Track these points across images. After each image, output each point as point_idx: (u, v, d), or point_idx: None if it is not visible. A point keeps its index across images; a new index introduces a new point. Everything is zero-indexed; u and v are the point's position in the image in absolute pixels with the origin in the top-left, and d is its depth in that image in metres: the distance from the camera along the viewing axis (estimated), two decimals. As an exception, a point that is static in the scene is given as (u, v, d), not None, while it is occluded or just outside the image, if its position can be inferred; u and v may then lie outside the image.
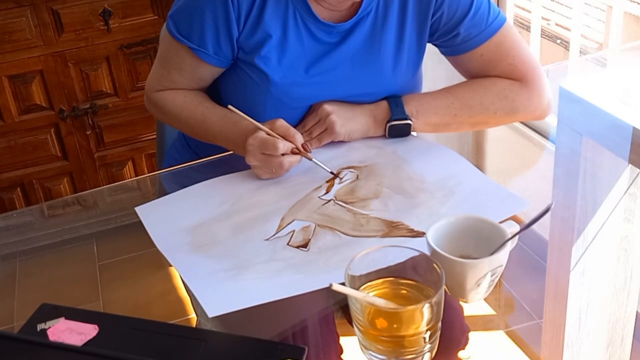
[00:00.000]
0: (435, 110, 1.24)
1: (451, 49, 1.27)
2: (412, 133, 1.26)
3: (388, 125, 1.23)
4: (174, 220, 1.11)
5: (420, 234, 1.01)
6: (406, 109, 1.23)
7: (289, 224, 1.07)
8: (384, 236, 1.02)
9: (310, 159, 1.16)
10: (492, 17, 1.23)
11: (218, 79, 1.29)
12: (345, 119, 1.22)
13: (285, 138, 1.13)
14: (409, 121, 1.23)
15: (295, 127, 1.18)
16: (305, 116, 1.26)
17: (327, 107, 1.22)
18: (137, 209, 1.14)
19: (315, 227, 1.06)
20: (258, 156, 1.14)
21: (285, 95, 1.22)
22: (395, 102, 1.24)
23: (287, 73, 1.21)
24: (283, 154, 1.13)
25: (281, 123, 1.14)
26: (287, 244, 1.03)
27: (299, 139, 1.15)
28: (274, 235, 1.05)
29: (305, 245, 1.02)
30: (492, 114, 1.24)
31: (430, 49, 1.30)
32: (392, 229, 1.04)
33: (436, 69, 1.36)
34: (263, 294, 0.93)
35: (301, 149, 1.15)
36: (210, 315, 0.91)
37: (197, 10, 1.18)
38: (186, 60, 1.24)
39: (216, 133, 1.23)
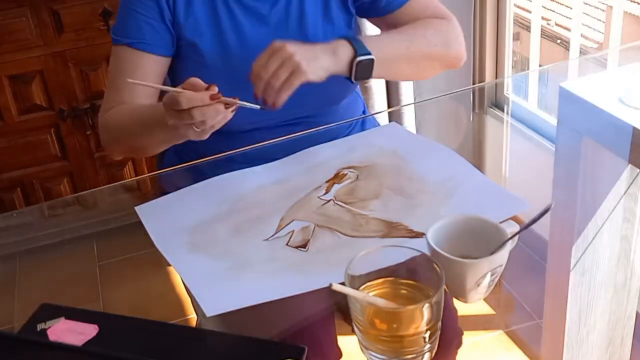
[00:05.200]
0: (391, 44, 1.25)
1: (377, 11, 1.31)
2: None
3: (355, 62, 1.17)
4: (173, 219, 1.11)
5: (420, 235, 1.01)
6: (368, 45, 1.19)
7: (288, 224, 1.07)
8: (383, 237, 1.02)
9: (235, 103, 1.05)
10: None
11: (171, 77, 1.29)
12: (309, 59, 1.13)
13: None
14: (371, 56, 1.18)
15: (257, 74, 1.11)
16: (261, 56, 1.14)
17: (289, 48, 1.12)
18: (137, 208, 1.14)
19: (314, 228, 1.06)
20: (171, 113, 1.03)
21: (225, 70, 1.23)
22: (355, 40, 1.19)
23: (223, 46, 1.23)
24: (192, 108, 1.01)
25: (192, 80, 1.04)
26: (286, 244, 1.03)
27: (214, 89, 1.03)
28: (273, 235, 1.05)
29: (304, 246, 1.02)
30: (433, 46, 1.27)
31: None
32: (392, 229, 1.04)
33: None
34: (261, 294, 0.93)
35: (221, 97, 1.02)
36: (208, 314, 0.91)
37: (127, 8, 1.24)
38: (127, 58, 1.24)
39: (147, 119, 1.16)
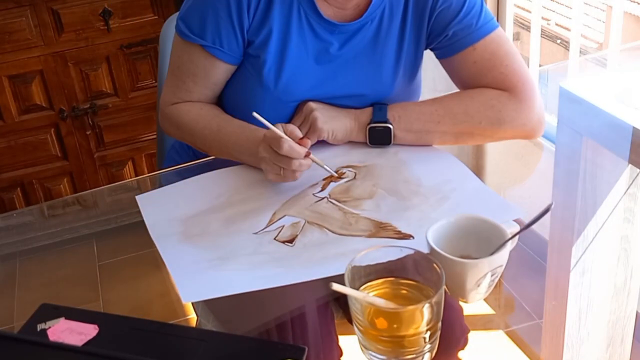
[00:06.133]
0: (418, 116, 1.22)
1: (442, 51, 1.26)
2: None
3: (368, 127, 1.22)
4: (170, 210, 1.12)
5: (407, 237, 1.01)
6: (389, 113, 1.22)
7: (279, 219, 1.08)
8: (370, 236, 1.02)
9: (321, 166, 1.15)
10: (483, 21, 1.22)
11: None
12: (328, 117, 1.21)
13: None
14: (389, 125, 1.21)
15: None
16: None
17: (311, 104, 1.22)
18: (137, 197, 1.16)
19: (304, 224, 1.06)
20: (268, 149, 1.10)
21: (284, 92, 1.22)
22: (379, 107, 1.23)
23: (287, 70, 1.21)
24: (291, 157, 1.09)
25: (292, 128, 1.12)
26: (274, 239, 1.03)
27: (307, 143, 1.11)
28: (263, 229, 1.06)
29: (291, 241, 1.03)
30: (477, 123, 1.20)
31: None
32: (380, 229, 1.04)
33: (436, 70, 1.36)
34: (239, 285, 0.94)
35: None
36: (184, 300, 0.93)
37: (209, 5, 1.18)
38: (200, 62, 1.22)
39: (231, 143, 1.20)
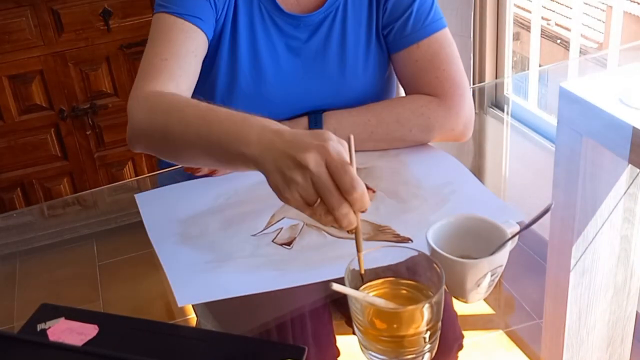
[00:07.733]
0: (352, 128, 1.20)
1: (388, 46, 1.26)
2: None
3: None
4: (169, 210, 1.12)
5: (406, 240, 1.01)
6: (324, 125, 1.20)
7: (278, 221, 1.08)
8: (368, 239, 1.02)
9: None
10: (431, 19, 1.22)
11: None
12: None
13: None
14: None
15: None
16: None
17: None
18: (136, 196, 1.16)
19: (303, 226, 1.06)
20: (321, 164, 0.80)
21: (256, 93, 1.22)
22: (315, 118, 1.21)
23: (256, 69, 1.21)
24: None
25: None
26: (272, 241, 1.03)
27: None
28: (261, 231, 1.06)
29: (289, 243, 1.03)
30: (408, 131, 1.21)
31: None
32: (378, 232, 1.04)
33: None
34: (236, 288, 0.94)
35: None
36: (180, 304, 0.92)
37: None
38: (180, 35, 1.14)
39: (221, 121, 0.93)
